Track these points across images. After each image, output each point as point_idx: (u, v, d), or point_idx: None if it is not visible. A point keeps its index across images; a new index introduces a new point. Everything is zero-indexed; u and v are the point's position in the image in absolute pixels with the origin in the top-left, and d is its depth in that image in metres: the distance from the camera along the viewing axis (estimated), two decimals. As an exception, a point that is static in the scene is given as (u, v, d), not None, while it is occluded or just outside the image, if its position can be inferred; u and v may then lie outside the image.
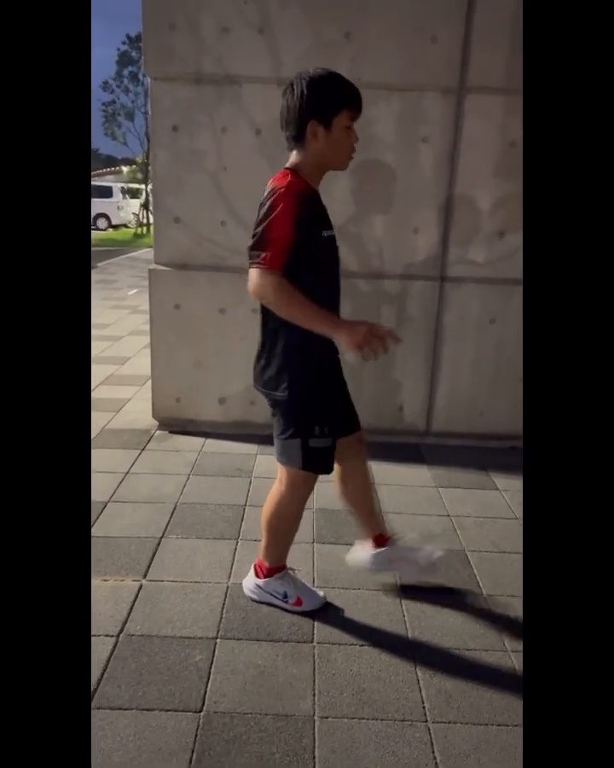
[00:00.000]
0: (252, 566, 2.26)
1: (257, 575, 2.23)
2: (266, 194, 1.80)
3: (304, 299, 1.75)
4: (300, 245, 1.76)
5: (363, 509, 2.32)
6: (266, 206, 1.74)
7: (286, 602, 2.18)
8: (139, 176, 27.12)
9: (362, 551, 2.34)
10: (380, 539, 2.32)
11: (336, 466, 2.15)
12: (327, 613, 2.19)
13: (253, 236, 1.76)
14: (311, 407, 1.95)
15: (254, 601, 2.22)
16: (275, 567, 2.20)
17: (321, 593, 2.25)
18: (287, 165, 1.88)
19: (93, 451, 3.45)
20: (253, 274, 1.75)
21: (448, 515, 2.91)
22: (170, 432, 3.76)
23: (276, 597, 2.19)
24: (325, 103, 1.80)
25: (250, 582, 2.25)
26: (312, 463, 2.00)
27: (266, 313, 1.91)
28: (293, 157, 1.88)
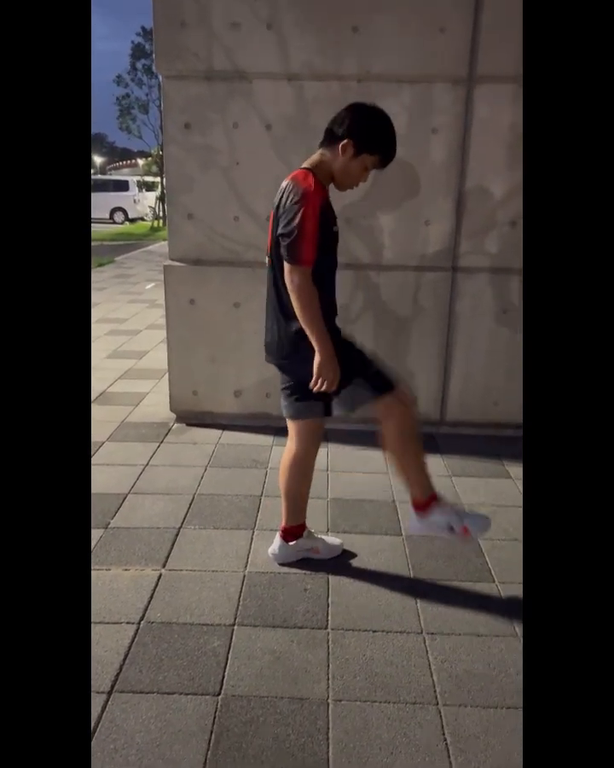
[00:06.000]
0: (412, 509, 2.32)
1: (419, 511, 2.29)
2: (291, 191, 1.99)
3: (319, 306, 2.02)
4: (321, 239, 2.00)
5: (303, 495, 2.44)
6: (296, 205, 1.95)
7: (453, 532, 2.26)
8: (154, 168, 27.22)
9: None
10: None
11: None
12: (340, 599, 2.25)
13: (286, 233, 1.97)
14: (348, 353, 2.15)
15: (431, 532, 2.33)
16: (429, 499, 2.27)
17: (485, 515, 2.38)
18: (307, 165, 2.10)
19: (113, 445, 3.53)
20: (291, 269, 1.99)
21: (462, 504, 2.94)
22: (188, 424, 3.83)
23: (447, 530, 2.26)
24: (370, 137, 2.05)
25: (416, 523, 2.31)
26: (379, 385, 2.16)
27: (284, 293, 2.08)
28: (316, 157, 2.12)
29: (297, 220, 1.94)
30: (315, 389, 2.07)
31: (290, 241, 1.96)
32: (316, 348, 2.02)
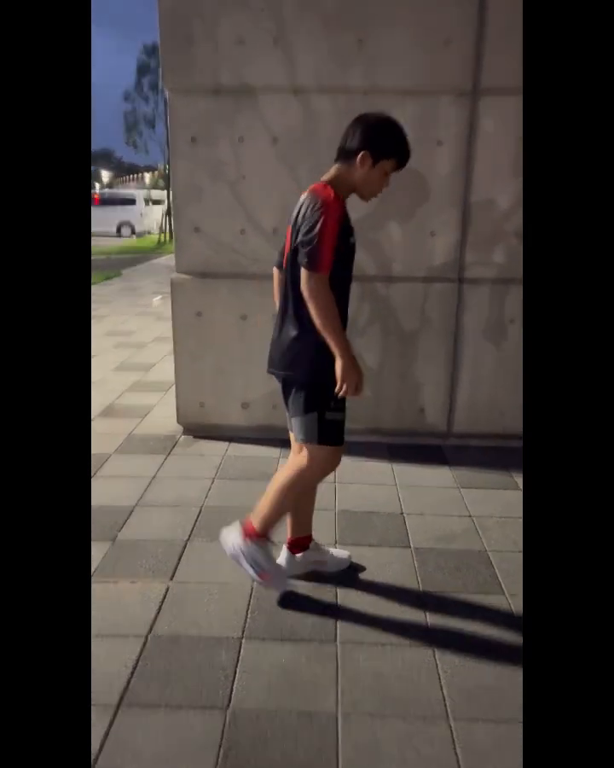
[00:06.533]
0: (240, 522, 2.24)
1: (245, 535, 2.21)
2: (310, 202, 2.03)
3: (337, 313, 2.03)
4: (338, 248, 2.03)
5: (306, 509, 2.44)
6: (316, 213, 1.99)
7: (255, 570, 2.18)
8: (161, 183, 27.46)
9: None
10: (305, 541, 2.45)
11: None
12: (349, 612, 2.23)
13: (306, 242, 1.99)
14: (327, 383, 2.09)
15: (231, 555, 2.22)
16: (261, 534, 2.21)
17: (289, 579, 2.33)
18: (326, 178, 2.13)
19: (120, 457, 3.53)
20: (307, 276, 2.01)
21: (470, 516, 2.93)
22: (195, 437, 3.83)
23: (251, 565, 2.18)
24: (385, 144, 2.10)
25: (234, 538, 2.23)
26: (328, 436, 2.16)
27: (290, 302, 2.12)
28: (333, 170, 2.14)
29: (317, 228, 1.96)
30: (340, 394, 2.06)
31: (310, 248, 1.98)
32: (336, 353, 2.02)
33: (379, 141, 2.09)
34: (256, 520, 2.23)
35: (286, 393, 2.22)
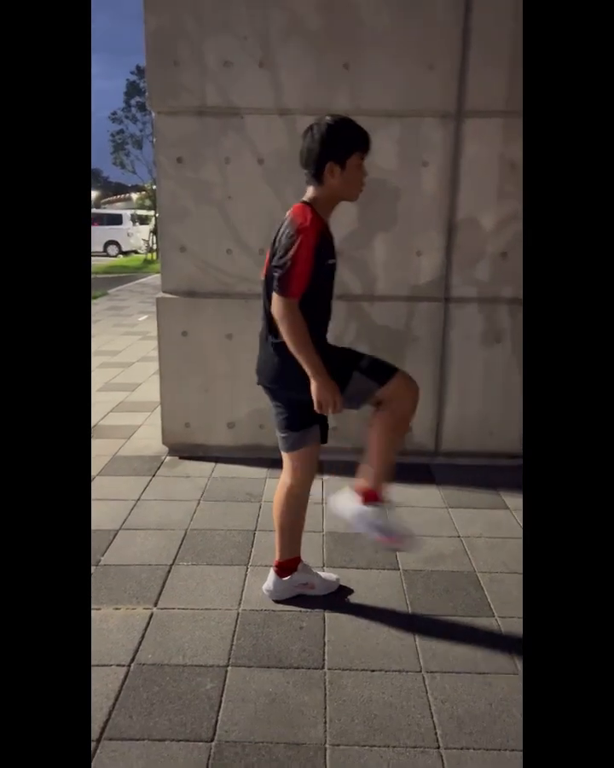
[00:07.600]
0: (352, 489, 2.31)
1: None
2: (287, 226, 2.03)
3: (308, 334, 2.03)
4: (315, 272, 2.03)
5: (295, 531, 2.41)
6: (291, 239, 1.99)
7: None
8: (148, 202, 27.57)
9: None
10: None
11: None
12: (337, 637, 2.19)
13: (279, 266, 2.01)
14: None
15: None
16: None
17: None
18: (305, 198, 2.12)
19: (104, 479, 3.48)
20: (278, 300, 2.02)
21: (459, 536, 2.90)
22: (180, 457, 3.79)
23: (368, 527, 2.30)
24: (340, 145, 2.06)
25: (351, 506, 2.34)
26: (381, 373, 2.19)
27: (271, 320, 2.12)
28: (310, 191, 2.13)
29: (290, 254, 1.98)
30: (320, 412, 2.09)
31: (282, 273, 2.00)
32: (310, 374, 2.04)
33: (335, 146, 2.05)
34: (374, 485, 2.30)
35: (291, 409, 2.24)
